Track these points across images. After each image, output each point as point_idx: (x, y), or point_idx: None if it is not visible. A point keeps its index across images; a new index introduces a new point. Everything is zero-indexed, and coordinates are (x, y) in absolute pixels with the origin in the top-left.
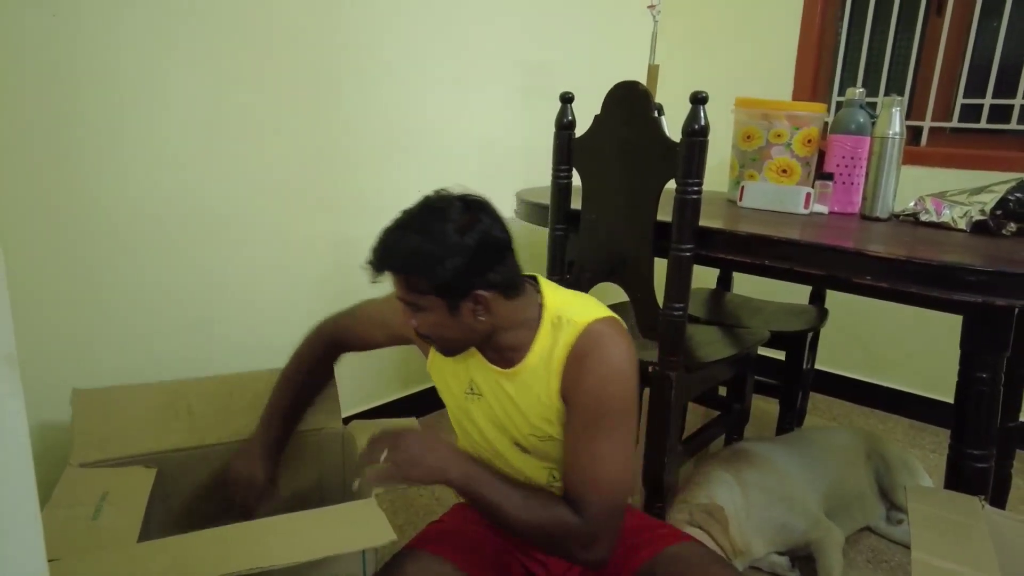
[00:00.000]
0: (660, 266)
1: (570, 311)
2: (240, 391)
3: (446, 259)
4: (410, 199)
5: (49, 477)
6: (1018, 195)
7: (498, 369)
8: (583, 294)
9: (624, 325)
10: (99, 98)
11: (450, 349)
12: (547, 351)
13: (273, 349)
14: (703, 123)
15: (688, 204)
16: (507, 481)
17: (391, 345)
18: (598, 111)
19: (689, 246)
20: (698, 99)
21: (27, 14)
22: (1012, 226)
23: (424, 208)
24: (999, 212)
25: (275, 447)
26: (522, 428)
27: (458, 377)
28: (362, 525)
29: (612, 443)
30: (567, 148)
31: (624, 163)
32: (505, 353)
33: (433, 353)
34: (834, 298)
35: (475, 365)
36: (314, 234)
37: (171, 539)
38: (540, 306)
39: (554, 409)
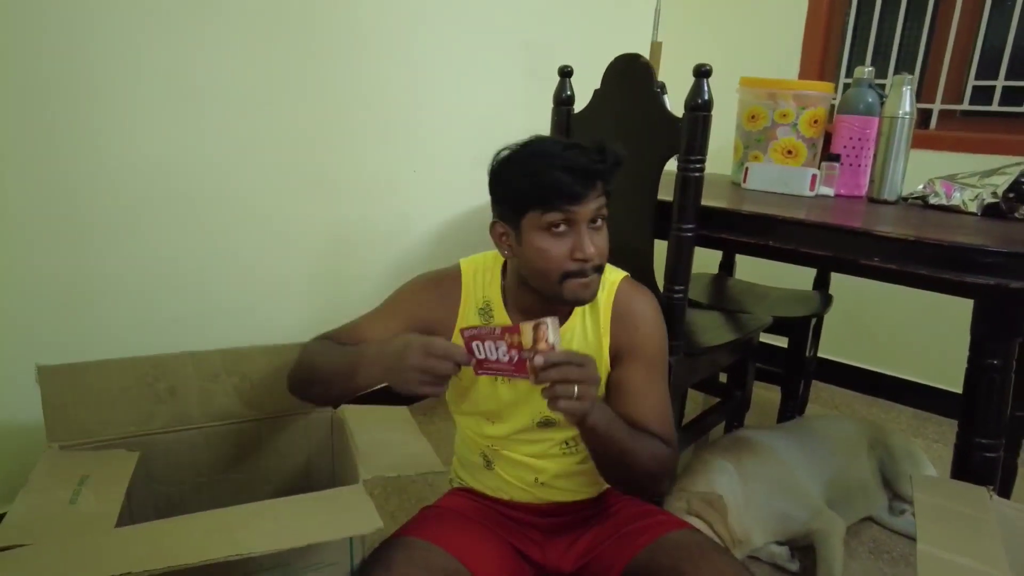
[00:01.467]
0: (660, 248)
1: None
2: (226, 372)
3: None
4: (407, 178)
5: (25, 455)
6: None
7: None
8: None
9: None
10: (81, 75)
11: (600, 274)
12: (592, 309)
13: (267, 329)
14: (707, 97)
15: (690, 182)
16: (620, 423)
17: None
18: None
19: (691, 226)
20: (701, 72)
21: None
22: None
23: (543, 137)
24: (1012, 195)
25: None
26: None
27: None
28: (349, 511)
29: (663, 384)
30: (565, 124)
31: (624, 139)
32: (548, 315)
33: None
34: (838, 285)
35: None
36: (310, 212)
37: (151, 524)
38: None
39: (602, 366)
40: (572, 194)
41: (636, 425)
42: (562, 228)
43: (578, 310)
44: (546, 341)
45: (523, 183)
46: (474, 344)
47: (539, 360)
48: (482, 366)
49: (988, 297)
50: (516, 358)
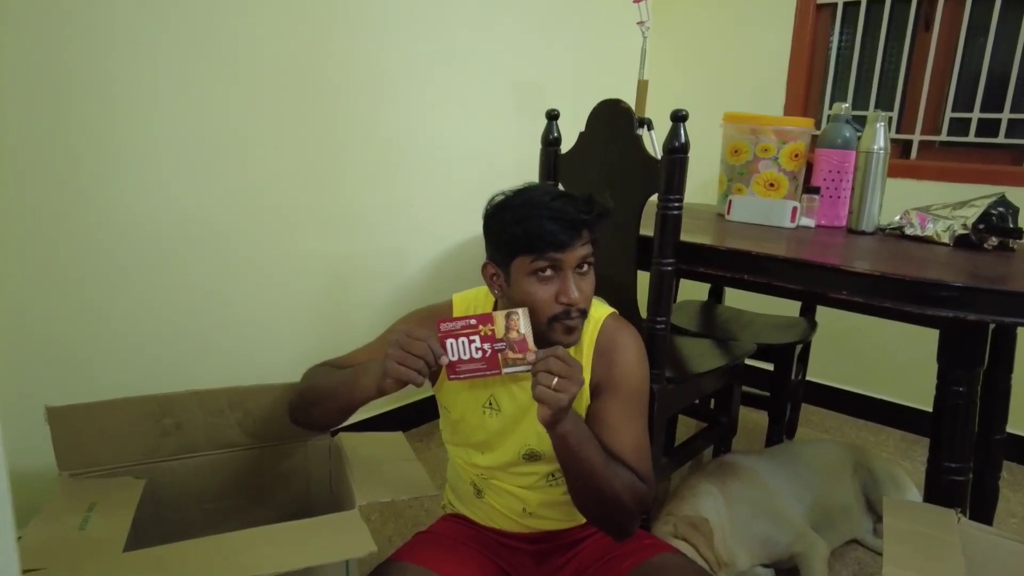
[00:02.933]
0: (644, 279)
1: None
2: (230, 408)
3: None
4: (402, 214)
5: (37, 488)
6: (1000, 209)
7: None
8: None
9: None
10: (92, 117)
11: (585, 318)
12: (576, 346)
13: (267, 364)
14: (683, 140)
15: (669, 219)
16: (596, 442)
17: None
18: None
19: (670, 260)
20: (678, 117)
21: (23, 32)
22: (994, 240)
23: (535, 185)
24: (981, 226)
25: None
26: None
27: (477, 394)
28: (345, 536)
29: (642, 421)
30: (553, 164)
31: (608, 179)
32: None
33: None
34: (825, 310)
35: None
36: (308, 250)
37: (158, 548)
38: None
39: (583, 402)
40: (558, 242)
41: (619, 455)
42: (549, 273)
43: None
44: (517, 331)
45: (514, 229)
46: (448, 342)
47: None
48: (454, 370)
49: (950, 329)
50: (489, 352)
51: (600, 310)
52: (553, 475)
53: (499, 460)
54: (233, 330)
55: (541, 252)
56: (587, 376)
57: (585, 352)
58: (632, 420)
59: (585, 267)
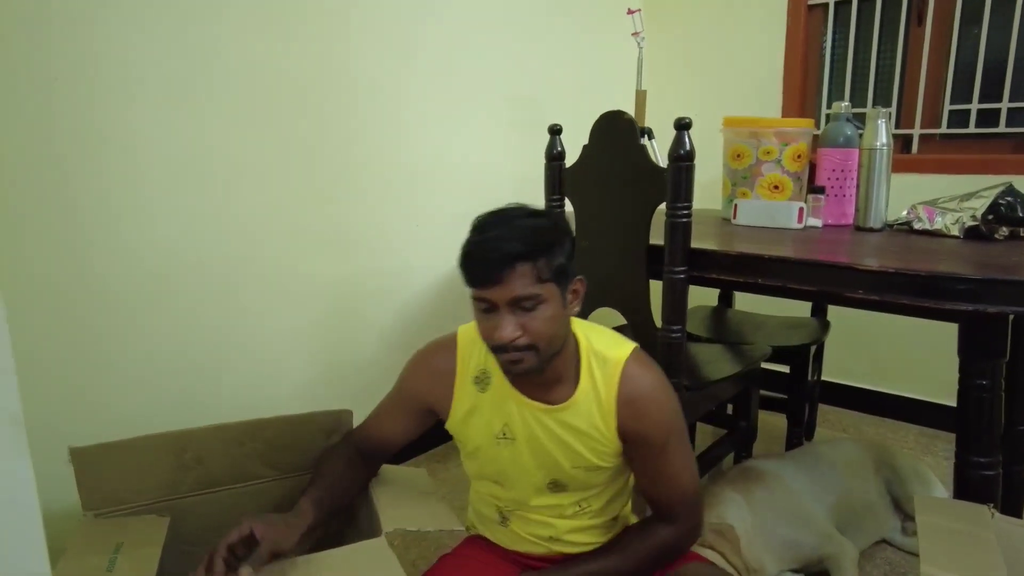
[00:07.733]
0: (656, 288)
1: (601, 346)
2: (250, 439)
3: (564, 238)
4: (406, 234)
5: (61, 529)
6: (1008, 199)
7: (544, 406)
8: (599, 326)
9: (645, 353)
10: (83, 149)
11: (549, 351)
12: (594, 389)
13: (279, 390)
14: (688, 148)
15: (679, 227)
16: (593, 556)
17: (417, 431)
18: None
19: (682, 268)
20: (681, 125)
21: (26, 78)
22: (1004, 230)
23: (509, 208)
24: (991, 216)
25: (302, 524)
26: (565, 462)
27: (491, 424)
28: (373, 564)
29: (682, 454)
30: (558, 178)
31: (614, 190)
32: (550, 386)
33: (457, 406)
34: (837, 309)
35: (514, 406)
36: (312, 272)
37: None
38: (575, 336)
39: (611, 445)
40: (479, 279)
41: (659, 502)
42: (487, 306)
43: (584, 388)
44: None
45: (459, 259)
46: None
47: None
48: None
49: (970, 321)
50: None
51: (619, 350)
52: (580, 504)
53: (522, 492)
54: (242, 358)
55: (473, 286)
56: (613, 423)
57: (605, 399)
58: (667, 463)
59: (530, 303)
